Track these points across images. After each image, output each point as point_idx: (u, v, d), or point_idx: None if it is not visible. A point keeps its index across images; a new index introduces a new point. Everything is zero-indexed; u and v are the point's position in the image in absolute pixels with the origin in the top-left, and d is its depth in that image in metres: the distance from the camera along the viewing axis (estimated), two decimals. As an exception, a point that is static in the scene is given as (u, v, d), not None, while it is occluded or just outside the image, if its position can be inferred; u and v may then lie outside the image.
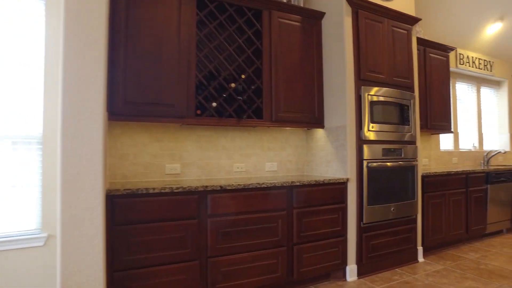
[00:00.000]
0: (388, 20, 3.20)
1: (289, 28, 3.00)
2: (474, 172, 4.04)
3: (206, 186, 2.25)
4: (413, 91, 3.38)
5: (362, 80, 3.02)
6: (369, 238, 2.96)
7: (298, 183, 2.62)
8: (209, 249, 2.26)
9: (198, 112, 2.62)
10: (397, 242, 3.14)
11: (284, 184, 2.55)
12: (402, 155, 3.21)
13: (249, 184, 2.40)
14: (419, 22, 4.21)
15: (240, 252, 2.36)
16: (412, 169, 3.28)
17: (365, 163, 2.96)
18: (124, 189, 2.01)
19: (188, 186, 2.19)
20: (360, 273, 2.93)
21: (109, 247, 1.95)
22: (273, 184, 2.50)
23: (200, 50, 2.77)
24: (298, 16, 3.05)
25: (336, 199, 2.84)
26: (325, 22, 3.19)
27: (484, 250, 3.71)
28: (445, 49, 4.26)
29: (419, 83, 3.80)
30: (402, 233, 3.19)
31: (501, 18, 5.00)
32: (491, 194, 4.24)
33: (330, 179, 2.79)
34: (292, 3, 3.17)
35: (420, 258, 3.34)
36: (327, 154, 3.17)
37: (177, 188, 2.16)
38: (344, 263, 2.85)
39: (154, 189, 2.09)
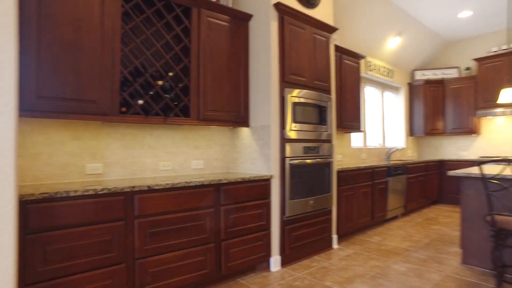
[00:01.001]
0: (310, 27, 3.46)
1: (218, 27, 3.04)
2: (378, 167, 4.62)
3: (133, 187, 2.19)
4: (330, 94, 3.72)
5: (286, 82, 3.22)
6: (291, 230, 3.20)
7: (225, 181, 2.70)
8: (137, 251, 2.20)
9: (123, 109, 2.51)
10: (315, 232, 3.45)
11: (212, 182, 2.61)
12: (320, 153, 3.51)
13: (177, 183, 2.40)
14: (336, 31, 4.62)
15: (169, 251, 2.35)
16: (328, 165, 3.61)
17: (287, 160, 3.17)
18: (40, 193, 1.84)
19: (114, 187, 2.10)
20: (283, 263, 3.15)
21: (21, 259, 1.78)
22: (201, 183, 2.54)
23: (125, 44, 2.65)
24: (227, 17, 3.11)
25: (261, 195, 3.00)
26: (252, 24, 3.30)
27: (384, 233, 4.29)
28: (357, 57, 4.75)
29: (335, 87, 4.18)
30: (320, 224, 3.50)
31: (399, 34, 5.75)
32: (391, 185, 4.89)
33: (255, 177, 2.93)
34: (221, 3, 3.21)
35: (335, 245, 3.72)
36: (252, 152, 3.31)
37: (102, 189, 2.05)
38: (268, 255, 3.03)
39: (76, 191, 1.95)
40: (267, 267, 3.06)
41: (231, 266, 2.73)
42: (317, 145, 3.48)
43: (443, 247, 3.70)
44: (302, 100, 3.32)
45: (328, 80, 3.68)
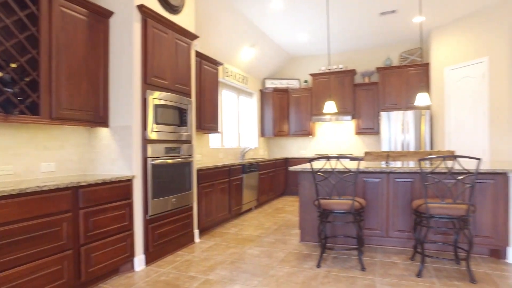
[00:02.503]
0: (173, 33, 3.59)
1: (74, 20, 2.84)
2: (234, 165, 5.11)
3: (-34, 195, 1.88)
4: (190, 97, 3.93)
5: (148, 84, 3.27)
6: (154, 228, 3.26)
7: (84, 183, 2.58)
8: (-29, 269, 1.90)
9: None
10: (178, 229, 3.60)
11: (69, 185, 2.46)
12: (181, 153, 3.69)
13: (27, 188, 2.17)
14: (198, 38, 4.88)
15: (16, 266, 2.11)
16: (189, 164, 3.82)
17: (149, 160, 3.23)
18: None
19: None
20: (148, 261, 3.19)
21: None
22: (56, 186, 2.36)
23: None
24: (85, 10, 2.94)
25: (123, 195, 2.97)
26: (114, 22, 3.21)
27: (240, 224, 4.80)
28: (216, 63, 5.13)
29: (195, 90, 4.43)
30: (182, 220, 3.68)
31: (253, 45, 6.47)
32: (245, 181, 5.48)
33: (116, 177, 2.89)
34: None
35: (197, 239, 3.97)
36: (112, 152, 3.22)
37: None
38: (132, 255, 3.02)
39: None
40: (132, 268, 3.05)
41: (93, 271, 2.62)
42: (178, 145, 3.65)
43: (287, 230, 4.43)
44: (163, 102, 3.43)
45: (188, 83, 3.89)
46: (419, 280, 2.77)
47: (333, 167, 3.33)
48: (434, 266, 3.08)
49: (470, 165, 3.47)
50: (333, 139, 7.81)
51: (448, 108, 6.00)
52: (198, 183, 4.13)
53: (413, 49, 7.00)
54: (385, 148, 6.64)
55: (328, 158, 3.01)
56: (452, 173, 2.83)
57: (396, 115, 6.51)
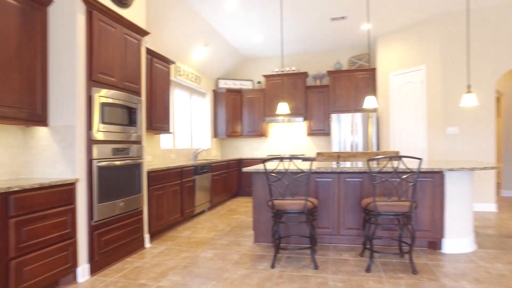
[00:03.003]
0: (121, 27, 3.39)
1: (3, 5, 2.55)
2: (186, 166, 4.97)
3: None
4: (140, 96, 3.75)
5: (94, 81, 3.05)
6: (100, 235, 3.05)
7: (17, 188, 2.32)
8: None
9: None
10: (127, 234, 3.40)
11: (-1, 191, 2.19)
12: (130, 154, 3.50)
13: None
14: (149, 35, 4.67)
15: None
16: (138, 166, 3.63)
17: (95, 162, 3.01)
18: None
19: None
20: (93, 271, 2.97)
21: None
22: (-17, 193, 2.09)
23: None
24: (17, -3, 2.65)
25: (65, 201, 2.73)
26: (54, 11, 2.94)
27: (193, 227, 4.67)
28: (167, 61, 4.95)
29: (145, 89, 4.23)
30: (131, 225, 3.49)
31: (206, 45, 6.36)
32: (198, 183, 5.36)
33: (57, 181, 2.65)
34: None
35: (147, 244, 3.78)
36: (52, 154, 2.95)
37: None
38: (75, 265, 2.79)
39: None
40: (74, 279, 2.81)
41: (25, 287, 2.37)
42: (127, 146, 3.46)
43: (241, 231, 4.40)
44: (111, 100, 3.22)
45: (138, 82, 3.70)
46: (369, 275, 2.89)
47: (286, 167, 3.36)
48: (381, 260, 3.23)
49: (413, 164, 3.70)
50: (286, 140, 7.94)
51: (393, 111, 6.39)
52: (149, 186, 3.95)
53: (361, 55, 7.36)
54: (335, 148, 6.89)
55: (281, 159, 3.03)
56: (397, 172, 2.99)
57: (345, 117, 6.79)
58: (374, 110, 6.95)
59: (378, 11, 5.42)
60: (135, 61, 3.64)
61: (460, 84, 5.46)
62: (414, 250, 3.52)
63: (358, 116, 6.72)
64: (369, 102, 4.16)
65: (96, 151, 3.03)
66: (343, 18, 5.72)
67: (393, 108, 6.38)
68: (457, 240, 3.46)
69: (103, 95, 3.11)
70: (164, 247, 3.77)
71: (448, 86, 5.50)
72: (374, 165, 3.94)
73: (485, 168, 3.27)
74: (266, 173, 3.18)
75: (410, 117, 6.08)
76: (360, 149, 6.76)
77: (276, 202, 3.16)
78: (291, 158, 3.02)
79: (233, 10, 5.30)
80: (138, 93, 3.70)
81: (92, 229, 2.97)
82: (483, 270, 2.95)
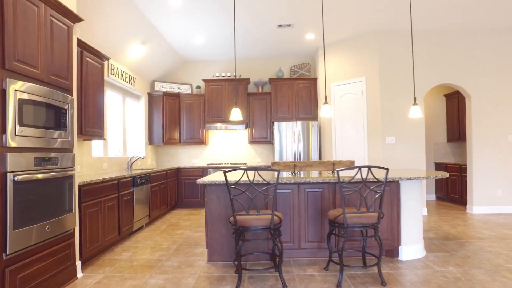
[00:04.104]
0: (46, 7, 2.74)
1: None
2: (124, 177, 4.33)
3: None
4: (71, 94, 3.11)
5: (8, 70, 2.37)
6: (16, 272, 2.35)
7: None
8: None
9: None
10: (53, 265, 2.72)
11: None
12: (58, 164, 2.84)
13: None
14: (80, 23, 3.98)
15: None
16: (69, 179, 2.98)
17: (9, 176, 2.33)
18: None
19: None
20: (4, 320, 2.26)
21: None
22: None
23: None
24: None
25: (-33, 229, 2.03)
26: (-50, -23, 2.22)
27: (133, 247, 4.05)
28: (101, 57, 4.29)
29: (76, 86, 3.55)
30: (60, 252, 2.81)
31: (143, 43, 5.76)
32: (136, 196, 4.73)
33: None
34: None
35: (79, 274, 3.10)
36: None
37: None
38: (-20, 315, 2.08)
39: None
40: (-23, 335, 2.10)
41: None
42: (55, 155, 2.80)
43: (190, 249, 3.93)
44: (33, 97, 2.56)
45: (69, 77, 3.06)
46: (340, 292, 2.72)
47: (247, 179, 3.04)
48: (347, 273, 3.10)
49: (369, 174, 3.70)
50: (227, 148, 7.62)
51: (334, 121, 6.53)
52: (81, 202, 3.28)
53: (302, 64, 7.43)
54: (277, 157, 6.79)
55: (245, 170, 2.72)
56: (366, 182, 2.89)
57: (287, 126, 6.75)
58: (315, 119, 7.05)
59: (320, 22, 5.48)
60: (65, 51, 3.00)
61: (397, 96, 5.79)
62: (371, 259, 3.48)
63: (299, 124, 6.73)
64: (325, 110, 4.09)
65: (12, 161, 2.35)
66: (290, 25, 5.67)
67: (335, 118, 6.52)
68: (412, 246, 3.52)
69: (21, 89, 2.44)
70: (101, 275, 3.13)
71: (386, 98, 5.78)
72: (340, 175, 3.85)
73: (436, 177, 3.39)
74: (228, 185, 2.82)
75: (351, 126, 6.27)
76: (302, 157, 6.76)
77: (238, 218, 2.83)
78: (256, 168, 2.72)
79: (176, 8, 4.85)
80: (68, 90, 3.06)
81: (4, 265, 2.27)
82: (441, 275, 3.01)
